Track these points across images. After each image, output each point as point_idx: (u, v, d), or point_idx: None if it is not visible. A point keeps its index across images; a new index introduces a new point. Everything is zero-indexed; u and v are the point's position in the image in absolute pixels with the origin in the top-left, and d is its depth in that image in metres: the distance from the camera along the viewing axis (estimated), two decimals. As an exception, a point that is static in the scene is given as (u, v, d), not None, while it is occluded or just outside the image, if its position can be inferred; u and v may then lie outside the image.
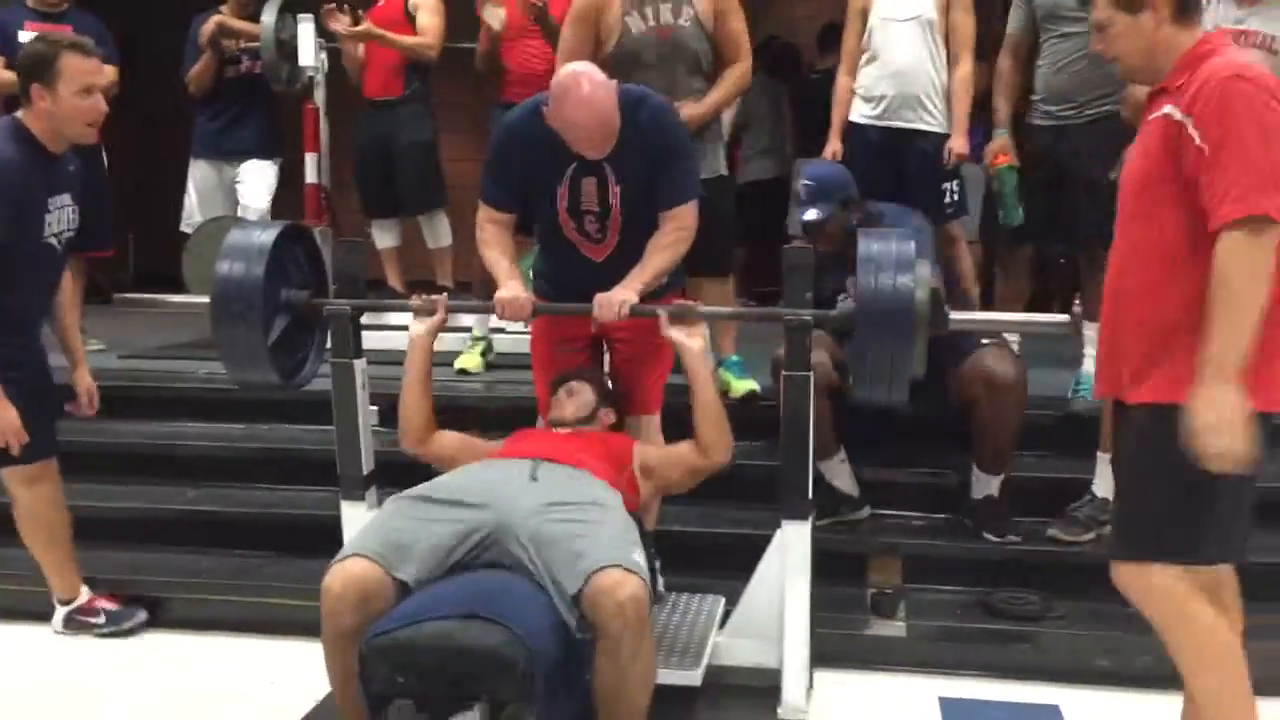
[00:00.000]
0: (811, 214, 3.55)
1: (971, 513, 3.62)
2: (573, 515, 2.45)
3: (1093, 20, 2.39)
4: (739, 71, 3.76)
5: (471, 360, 4.67)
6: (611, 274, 2.92)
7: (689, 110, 3.58)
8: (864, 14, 4.09)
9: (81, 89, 3.08)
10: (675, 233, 2.92)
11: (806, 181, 3.63)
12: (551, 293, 3.13)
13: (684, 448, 2.92)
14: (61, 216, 3.18)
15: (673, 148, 2.93)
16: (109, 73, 4.81)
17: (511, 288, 2.92)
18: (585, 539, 2.37)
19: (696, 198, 2.97)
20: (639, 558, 2.38)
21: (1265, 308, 2.09)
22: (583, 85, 2.73)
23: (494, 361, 4.76)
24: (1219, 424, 2.07)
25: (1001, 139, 3.84)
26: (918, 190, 3.96)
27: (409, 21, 4.88)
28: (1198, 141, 2.13)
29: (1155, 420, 2.23)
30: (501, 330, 4.76)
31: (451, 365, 4.59)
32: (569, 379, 3.09)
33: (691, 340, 2.83)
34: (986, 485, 3.57)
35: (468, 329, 4.79)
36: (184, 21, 5.26)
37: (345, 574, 2.34)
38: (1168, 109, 2.20)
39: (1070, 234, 3.74)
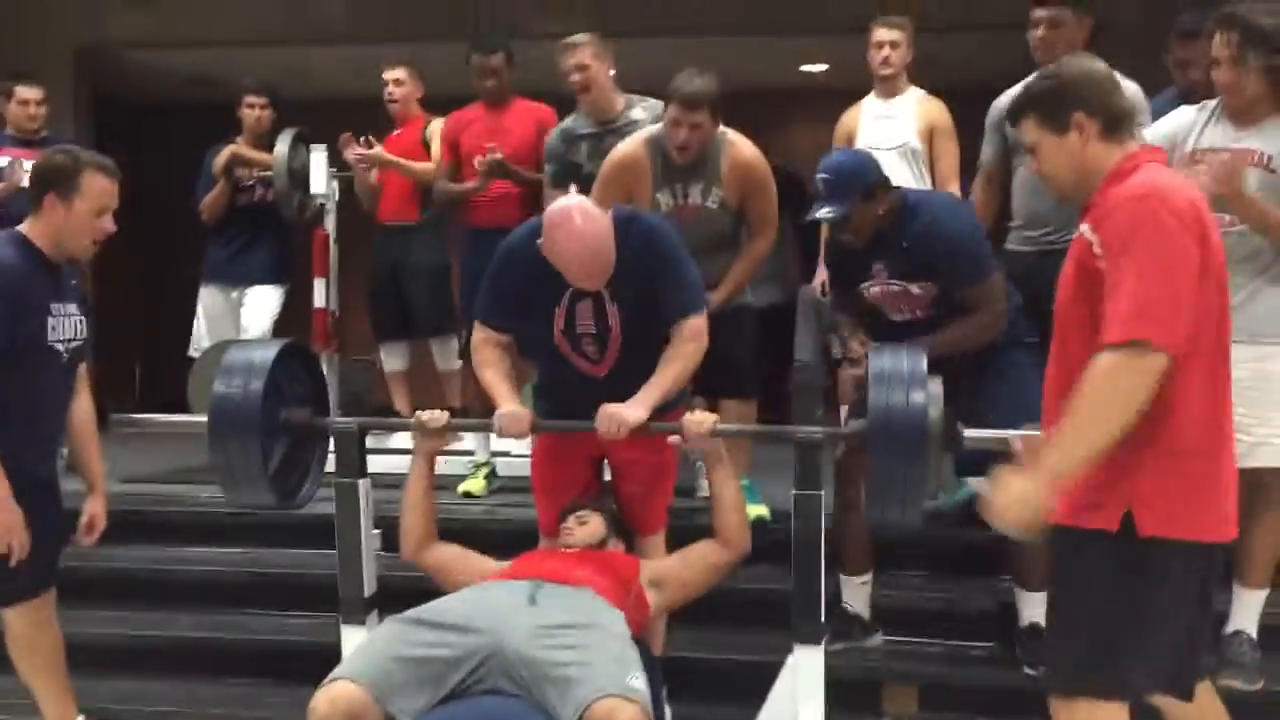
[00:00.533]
0: (825, 211, 3.35)
1: (1020, 644, 3.47)
2: (568, 641, 2.40)
3: (1023, 142, 2.42)
4: (759, 248, 3.88)
5: (475, 484, 4.65)
6: (613, 390, 2.89)
7: (714, 298, 3.57)
8: (849, 141, 4.19)
9: (97, 209, 3.11)
10: (688, 343, 2.91)
11: (823, 175, 3.41)
12: (554, 413, 3.11)
13: (702, 547, 2.90)
14: (66, 324, 3.17)
15: (667, 263, 2.93)
16: None
17: (510, 406, 2.90)
18: (580, 666, 2.32)
19: (703, 308, 2.97)
20: (638, 682, 2.32)
21: (1199, 431, 2.12)
22: (574, 219, 2.75)
23: (497, 486, 4.72)
24: (1032, 504, 2.12)
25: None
26: None
27: (425, 149, 4.98)
28: (1100, 263, 2.14)
29: (1060, 542, 2.24)
30: (505, 454, 4.74)
31: (454, 489, 4.56)
32: (580, 508, 3.06)
33: (710, 446, 2.83)
34: (1032, 608, 3.43)
35: (470, 453, 4.77)
36: (198, 153, 5.37)
37: (332, 697, 2.32)
38: (1084, 227, 2.22)
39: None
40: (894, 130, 4.05)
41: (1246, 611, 3.22)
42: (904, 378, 2.59)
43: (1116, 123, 2.28)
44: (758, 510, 3.94)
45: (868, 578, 3.60)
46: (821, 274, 4.17)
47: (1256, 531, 3.10)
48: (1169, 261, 2.07)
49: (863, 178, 3.34)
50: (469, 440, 4.77)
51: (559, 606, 2.52)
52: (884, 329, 3.40)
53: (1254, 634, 3.22)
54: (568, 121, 4.18)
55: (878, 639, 3.66)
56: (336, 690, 2.32)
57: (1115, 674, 2.20)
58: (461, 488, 4.60)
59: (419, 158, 4.96)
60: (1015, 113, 2.41)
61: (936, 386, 2.59)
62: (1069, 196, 2.39)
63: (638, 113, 4.03)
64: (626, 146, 3.83)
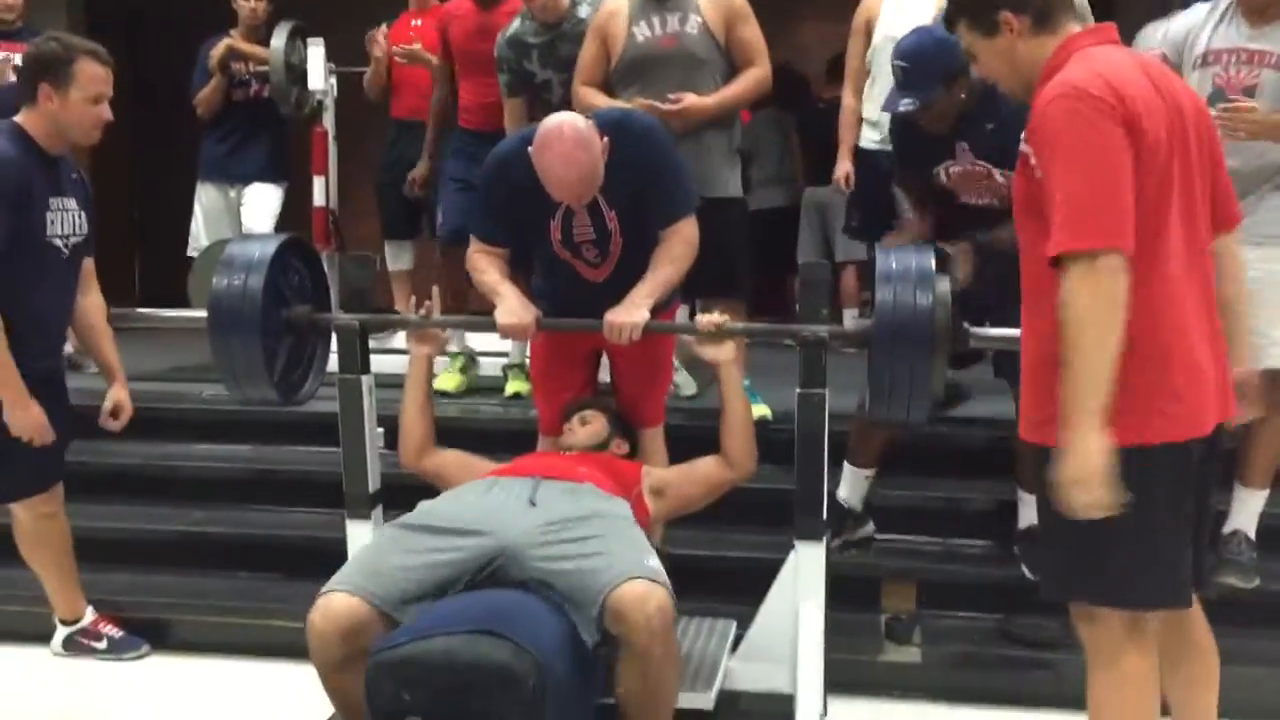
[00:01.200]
0: (905, 103, 3.16)
1: (1019, 544, 3.49)
2: (575, 533, 2.39)
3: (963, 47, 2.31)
4: (756, 75, 3.67)
5: (450, 380, 4.62)
6: (613, 293, 2.87)
7: (691, 100, 3.51)
8: (868, 31, 4.00)
9: (92, 96, 3.06)
10: (679, 246, 2.88)
11: (900, 62, 3.19)
12: (552, 313, 3.06)
13: (707, 462, 2.88)
14: (65, 219, 3.15)
15: (658, 165, 2.88)
16: None
17: (511, 306, 2.85)
18: (598, 556, 2.31)
19: (693, 210, 2.93)
20: (656, 563, 2.32)
21: (1124, 340, 1.96)
22: (563, 141, 2.68)
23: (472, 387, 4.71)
24: (1079, 477, 1.97)
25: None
26: None
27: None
28: (1038, 172, 2.05)
29: (1035, 460, 2.19)
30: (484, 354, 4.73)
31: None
32: (583, 407, 3.06)
33: (723, 352, 2.79)
34: (1033, 510, 3.45)
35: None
36: (194, 45, 5.26)
37: (328, 611, 2.29)
38: (1023, 137, 2.11)
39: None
40: (919, 16, 3.84)
41: (1246, 511, 3.24)
42: (911, 277, 2.57)
43: (1047, 13, 2.15)
44: (760, 410, 3.95)
45: (872, 472, 3.61)
46: (845, 167, 4.06)
47: (1259, 432, 3.10)
48: (1095, 159, 1.97)
49: (945, 62, 3.10)
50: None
51: (561, 501, 2.50)
52: (954, 213, 3.31)
53: (1252, 534, 3.25)
54: (514, 27, 3.99)
55: (869, 528, 3.68)
56: (333, 603, 2.29)
57: (1102, 582, 2.15)
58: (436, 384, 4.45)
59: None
60: (948, 21, 2.31)
61: (944, 285, 2.57)
62: (1017, 96, 2.27)
63: (584, 10, 3.89)
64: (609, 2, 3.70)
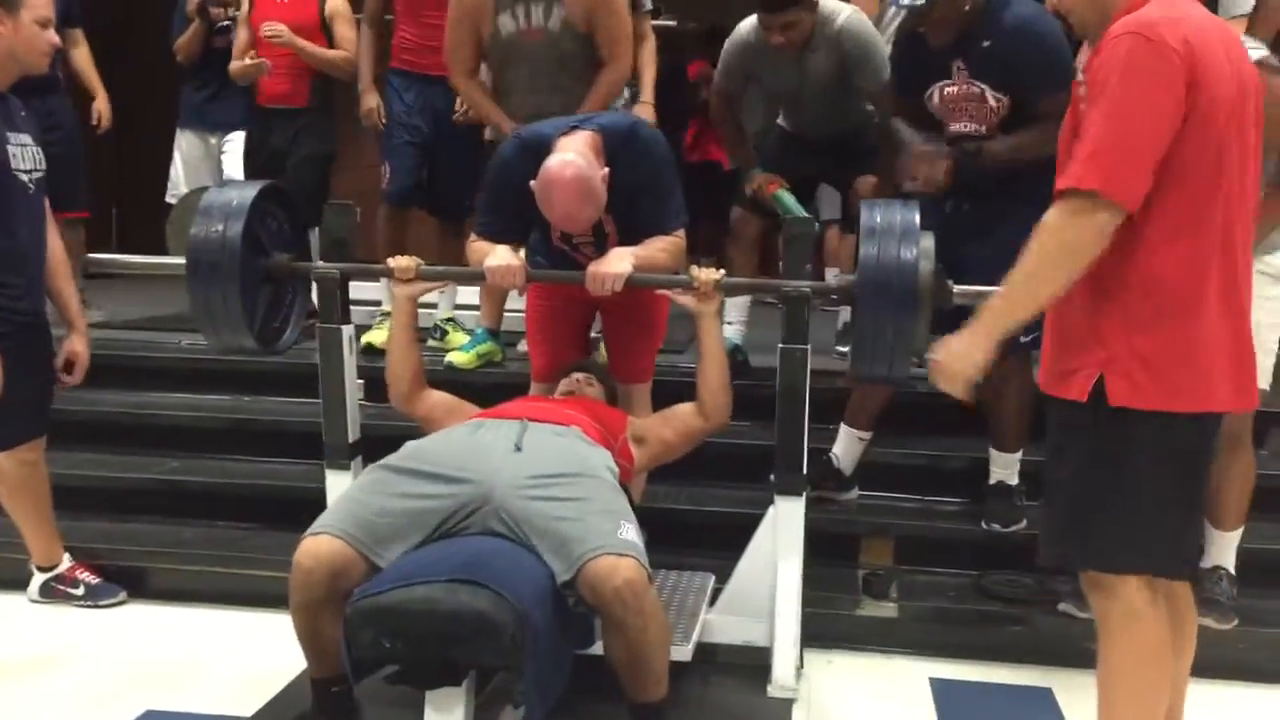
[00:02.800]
0: None
1: (986, 498, 3.53)
2: (557, 492, 2.38)
3: None
4: (610, 77, 3.65)
5: (379, 335, 4.31)
6: None
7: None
8: None
9: (41, 19, 3.07)
10: (669, 245, 2.90)
11: None
12: (547, 294, 3.14)
13: (683, 410, 2.88)
14: (24, 154, 3.11)
15: (655, 177, 2.89)
16: (76, 36, 4.77)
17: (501, 253, 2.84)
18: (571, 522, 2.31)
19: (683, 227, 2.94)
20: (630, 534, 2.32)
21: (1173, 293, 1.99)
22: (566, 182, 2.68)
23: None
24: (959, 368, 2.13)
25: (761, 174, 3.91)
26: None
27: (323, 31, 4.73)
28: (1083, 105, 2.02)
29: (1047, 410, 2.19)
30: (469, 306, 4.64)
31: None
32: (583, 368, 3.09)
33: (705, 304, 2.78)
34: (1003, 468, 3.49)
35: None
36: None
37: (315, 552, 2.30)
38: (1080, 66, 2.12)
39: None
40: None
41: (1224, 550, 3.12)
42: (895, 231, 2.56)
43: None
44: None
45: (868, 436, 3.62)
46: None
47: (1227, 473, 2.99)
48: (1136, 107, 1.93)
49: None
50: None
51: (546, 450, 2.50)
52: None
53: (1232, 569, 3.12)
54: None
55: (852, 494, 3.71)
56: (320, 545, 2.30)
57: (1088, 546, 2.16)
58: (364, 338, 4.22)
59: (315, 39, 4.69)
60: None
61: (928, 241, 2.56)
62: (1087, 33, 2.19)
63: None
64: None
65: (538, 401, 2.89)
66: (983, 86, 3.21)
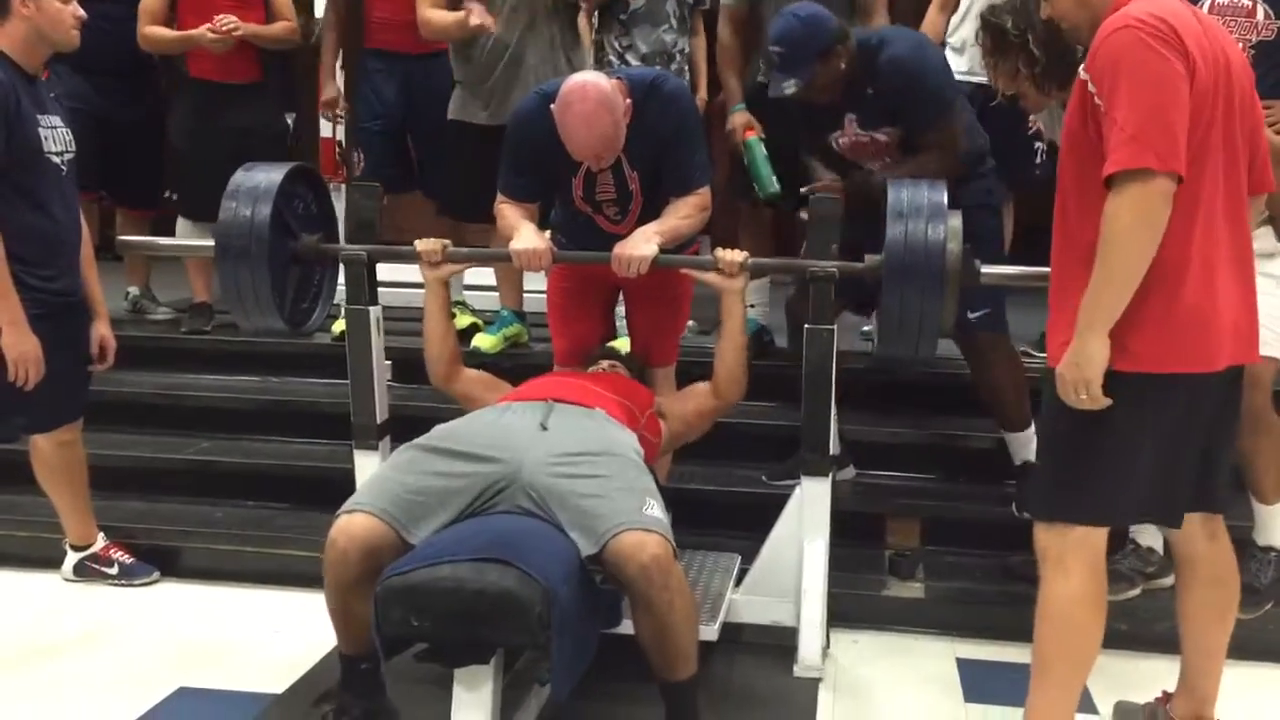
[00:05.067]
0: (787, 86, 3.12)
1: (1017, 480, 3.51)
2: (582, 470, 2.39)
3: None
4: None
5: (487, 341, 4.23)
6: None
7: None
8: None
9: None
10: (691, 209, 2.88)
11: (774, 47, 3.15)
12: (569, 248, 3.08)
13: (699, 388, 2.92)
14: (55, 136, 3.13)
15: (681, 130, 2.87)
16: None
17: (527, 235, 2.85)
18: (598, 499, 2.32)
19: (708, 182, 2.92)
20: (656, 510, 2.33)
21: (1151, 263, 2.06)
22: (587, 98, 2.66)
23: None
24: (1082, 376, 2.12)
25: (742, 113, 3.81)
26: None
27: (263, 2, 4.52)
28: (1097, 99, 2.10)
29: (1048, 384, 2.25)
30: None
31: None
32: (609, 355, 3.11)
33: (735, 282, 2.79)
34: (1022, 447, 3.47)
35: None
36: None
37: (350, 530, 2.31)
38: (1082, 68, 2.18)
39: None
40: None
41: (1271, 527, 3.06)
42: (923, 211, 2.55)
43: None
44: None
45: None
46: None
47: (1260, 453, 2.94)
48: (1154, 85, 2.04)
49: (817, 39, 3.09)
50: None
51: (572, 430, 2.51)
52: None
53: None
54: None
55: (849, 472, 3.68)
56: (355, 523, 2.31)
57: (1079, 498, 2.26)
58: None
59: (254, 10, 4.46)
60: None
61: (956, 221, 2.55)
62: (1081, 39, 2.30)
63: None
64: None
65: (565, 379, 2.89)
66: (870, 134, 3.25)
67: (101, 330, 3.35)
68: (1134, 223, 2.04)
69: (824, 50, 3.10)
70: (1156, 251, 2.07)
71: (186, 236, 4.47)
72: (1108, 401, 2.13)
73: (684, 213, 2.87)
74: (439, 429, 2.58)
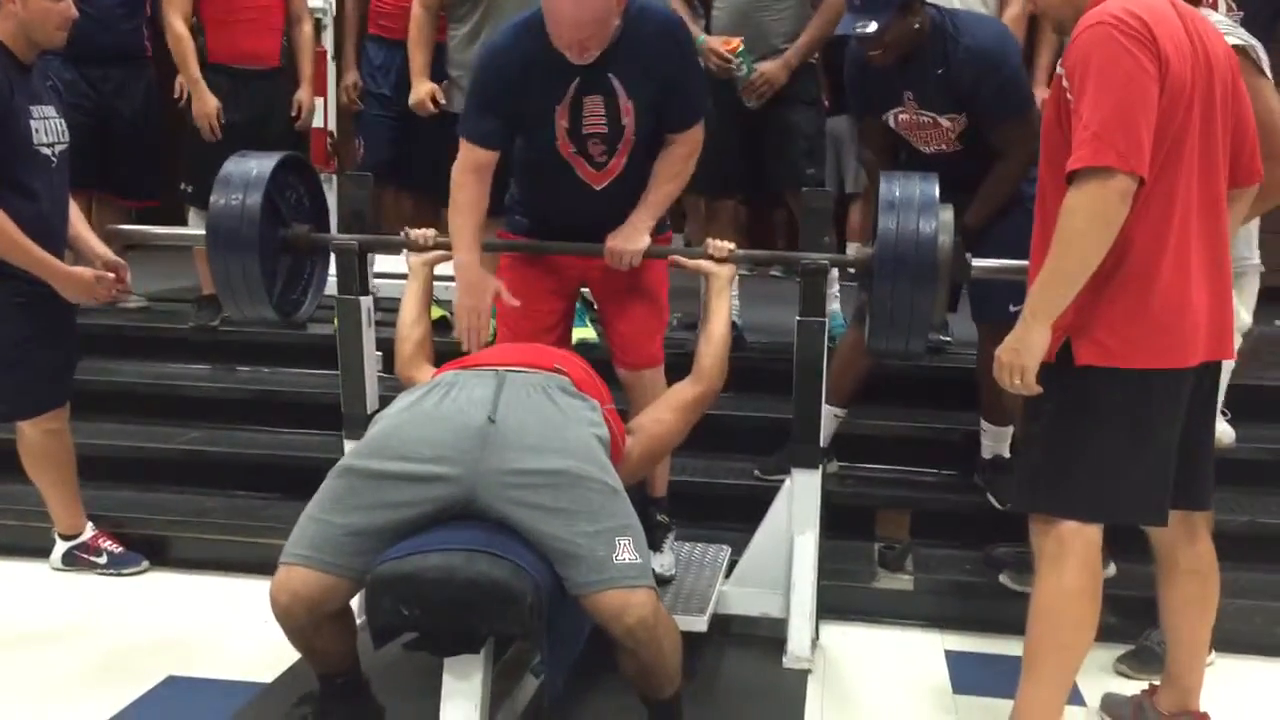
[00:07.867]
0: (860, 26, 3.01)
1: (981, 473, 3.55)
2: (544, 499, 2.14)
3: None
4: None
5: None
6: (609, 203, 2.74)
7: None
8: None
9: None
10: (683, 161, 2.75)
11: None
12: (531, 227, 2.89)
13: (674, 387, 2.68)
14: (48, 127, 3.12)
15: (684, 61, 2.72)
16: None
17: (470, 278, 2.69)
18: (565, 543, 2.12)
19: (703, 116, 2.77)
20: (628, 552, 2.12)
21: (1126, 259, 2.11)
22: None
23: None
24: (1020, 361, 2.18)
25: (710, 40, 3.76)
26: None
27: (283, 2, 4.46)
28: (1069, 95, 2.12)
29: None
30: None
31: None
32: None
33: (722, 266, 2.73)
34: (995, 441, 3.49)
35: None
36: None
37: (291, 587, 2.16)
38: (1059, 62, 2.20)
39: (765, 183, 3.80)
40: None
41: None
42: (914, 204, 2.55)
43: None
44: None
45: (844, 413, 3.55)
46: None
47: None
48: (1123, 83, 2.05)
49: None
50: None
51: (524, 421, 2.22)
52: (913, 163, 3.24)
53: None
54: None
55: (834, 465, 3.65)
56: (294, 578, 2.16)
57: (1059, 495, 2.28)
58: None
59: (276, 13, 4.41)
60: None
61: (947, 214, 2.56)
62: (1064, 31, 2.30)
63: None
64: None
65: (519, 347, 2.60)
66: (933, 116, 3.18)
67: (100, 249, 3.25)
68: (1090, 219, 2.07)
69: (905, 3, 3.04)
70: (1131, 248, 2.10)
71: (199, 228, 4.38)
72: (1039, 389, 2.20)
73: (674, 171, 2.74)
74: (374, 435, 2.29)
